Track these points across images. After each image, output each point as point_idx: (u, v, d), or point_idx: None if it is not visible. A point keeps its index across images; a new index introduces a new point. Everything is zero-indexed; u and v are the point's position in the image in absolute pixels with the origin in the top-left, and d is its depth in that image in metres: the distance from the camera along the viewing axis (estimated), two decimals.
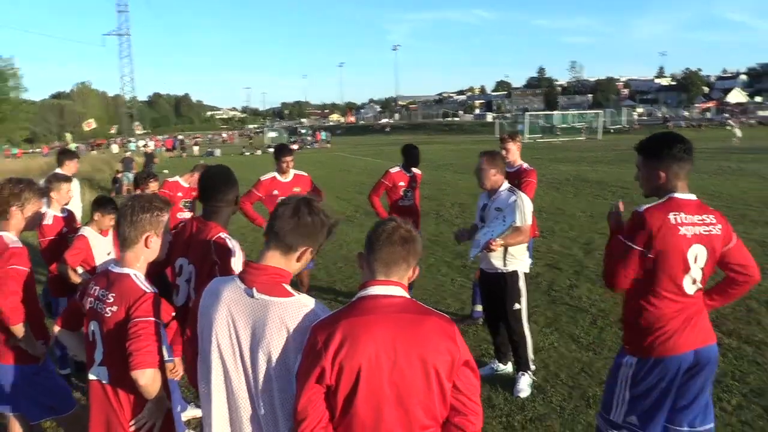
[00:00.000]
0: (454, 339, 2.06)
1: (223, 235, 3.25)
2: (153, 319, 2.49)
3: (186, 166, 8.13)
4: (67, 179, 5.47)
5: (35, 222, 3.58)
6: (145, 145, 48.95)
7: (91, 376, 2.66)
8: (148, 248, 2.65)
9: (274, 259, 2.21)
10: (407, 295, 2.13)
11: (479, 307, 6.46)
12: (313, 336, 2.03)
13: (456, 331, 2.09)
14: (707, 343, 3.05)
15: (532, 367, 5.04)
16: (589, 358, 5.67)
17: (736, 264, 3.03)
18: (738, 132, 38.14)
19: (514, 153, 6.14)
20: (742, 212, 11.87)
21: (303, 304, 2.14)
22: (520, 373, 4.91)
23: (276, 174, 6.33)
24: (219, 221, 3.36)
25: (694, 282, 2.96)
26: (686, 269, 2.91)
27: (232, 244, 3.21)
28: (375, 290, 2.09)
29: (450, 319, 2.14)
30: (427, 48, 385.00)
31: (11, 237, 3.36)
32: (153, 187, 5.46)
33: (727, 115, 68.43)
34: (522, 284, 4.83)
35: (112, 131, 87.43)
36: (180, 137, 65.00)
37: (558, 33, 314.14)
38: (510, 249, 4.67)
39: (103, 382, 2.62)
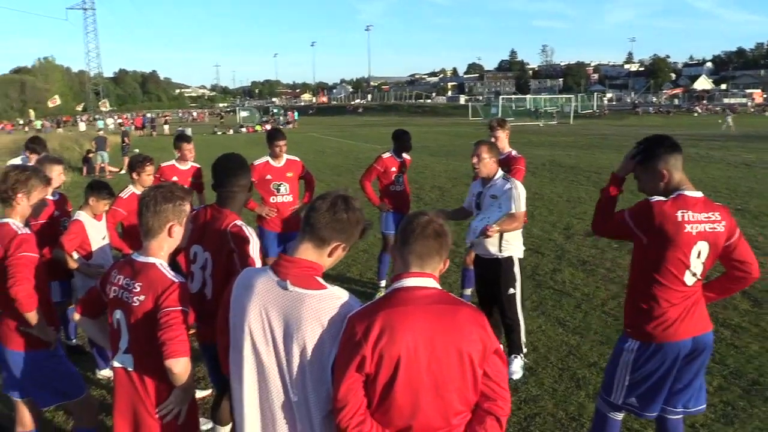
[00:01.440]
0: (485, 328, 2.15)
1: (238, 222, 3.28)
2: (182, 308, 2.53)
3: (157, 145, 8.06)
4: (58, 161, 5.39)
5: (40, 209, 3.55)
6: (120, 124, 47.98)
7: (116, 364, 2.68)
8: (171, 237, 2.68)
9: (307, 252, 2.25)
10: (439, 287, 2.20)
11: (468, 291, 6.59)
12: (352, 326, 2.09)
13: (486, 321, 2.18)
14: (705, 331, 3.20)
15: (524, 350, 5.19)
16: (576, 341, 5.85)
17: (737, 260, 3.16)
18: (730, 120, 38.96)
19: (503, 140, 6.23)
20: (711, 199, 12.18)
21: (337, 296, 2.20)
22: (513, 356, 5.05)
23: (269, 158, 6.33)
24: (234, 208, 3.39)
25: (694, 275, 3.10)
26: (688, 264, 3.04)
27: (248, 231, 3.24)
28: (410, 282, 2.16)
29: (479, 310, 2.23)
30: (399, 29, 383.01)
31: (18, 224, 3.34)
32: (149, 170, 5.40)
33: (695, 103, 69.71)
34: (517, 269, 4.96)
35: (78, 108, 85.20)
36: (149, 115, 63.67)
37: (530, 16, 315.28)
38: (506, 235, 4.78)
39: (129, 369, 2.65)
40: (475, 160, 4.83)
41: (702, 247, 3.04)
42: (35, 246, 3.33)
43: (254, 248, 3.20)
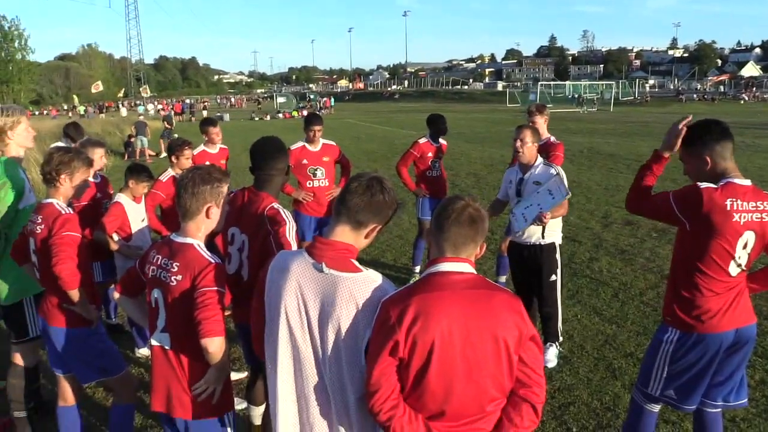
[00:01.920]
0: (521, 314, 2.11)
1: (275, 205, 3.30)
2: (218, 288, 2.56)
3: (195, 130, 8.16)
4: (101, 144, 5.50)
5: (82, 191, 3.64)
6: (161, 110, 48.78)
7: (154, 342, 2.73)
8: (209, 219, 2.71)
9: (343, 234, 2.24)
10: (475, 272, 2.18)
11: (503, 278, 6.54)
12: (385, 311, 2.08)
13: (522, 306, 2.15)
14: (748, 323, 3.11)
15: (560, 338, 5.13)
16: (613, 330, 5.75)
17: None
18: None
19: (541, 126, 6.13)
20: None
21: (372, 279, 2.19)
22: (549, 344, 5.00)
23: (305, 143, 6.35)
24: (271, 191, 3.41)
25: (739, 265, 3.00)
26: (734, 254, 2.95)
27: (285, 214, 3.26)
28: (445, 267, 2.14)
29: (516, 295, 2.20)
30: (437, 14, 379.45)
31: (62, 204, 3.42)
32: (187, 154, 5.47)
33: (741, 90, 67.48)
34: (558, 256, 4.91)
35: (120, 94, 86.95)
36: (188, 101, 64.57)
37: (570, 1, 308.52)
38: (549, 221, 4.71)
39: (166, 347, 2.70)
40: (518, 144, 4.75)
41: (749, 237, 2.94)
42: (78, 226, 3.41)
43: (291, 231, 3.22)
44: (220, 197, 2.73)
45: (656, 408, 3.38)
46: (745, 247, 2.96)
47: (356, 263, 2.23)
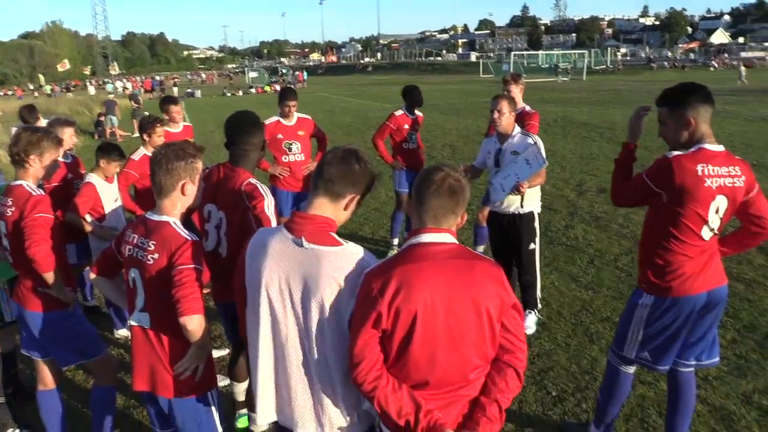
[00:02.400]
0: (503, 283, 2.13)
1: (252, 181, 3.26)
2: (195, 266, 2.53)
3: None
4: (70, 123, 5.38)
5: (53, 171, 3.55)
6: (124, 88, 47.76)
7: (133, 322, 2.71)
8: (185, 195, 2.67)
9: (322, 207, 2.23)
10: (456, 242, 2.19)
11: (480, 248, 6.59)
12: (368, 283, 2.09)
13: (503, 275, 2.17)
14: (720, 284, 3.18)
15: (539, 305, 5.21)
16: (589, 296, 5.85)
17: (754, 215, 3.11)
18: (743, 72, 38.79)
19: (516, 95, 6.13)
20: None
21: (353, 252, 2.18)
22: (528, 311, 5.07)
23: (280, 118, 6.27)
24: (247, 166, 3.37)
25: (712, 230, 3.05)
26: (706, 219, 3.00)
27: (263, 189, 3.23)
28: (426, 238, 2.14)
29: (498, 264, 2.21)
30: None
31: (32, 186, 3.35)
32: (159, 132, 5.37)
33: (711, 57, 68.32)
34: (537, 224, 4.96)
35: (86, 72, 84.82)
36: (158, 78, 63.29)
37: None
38: (527, 190, 4.73)
39: (145, 327, 2.67)
40: (496, 115, 4.75)
41: (721, 202, 2.99)
42: (50, 207, 3.34)
43: (269, 206, 3.20)
44: (195, 173, 2.69)
45: (632, 369, 3.46)
46: (717, 211, 3.01)
47: (336, 237, 2.22)
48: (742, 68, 40.89)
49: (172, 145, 2.70)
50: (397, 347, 2.08)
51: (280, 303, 2.21)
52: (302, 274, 2.16)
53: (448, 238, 2.16)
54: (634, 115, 3.25)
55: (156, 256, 2.56)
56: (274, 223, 3.14)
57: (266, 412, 2.34)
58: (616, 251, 7.09)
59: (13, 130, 6.97)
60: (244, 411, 3.90)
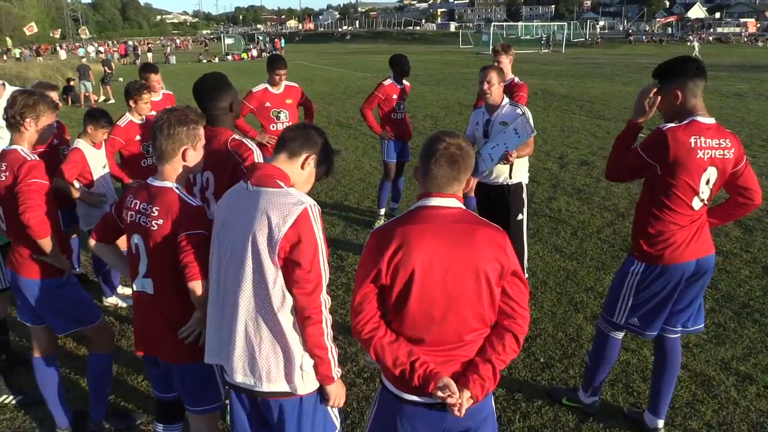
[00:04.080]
0: (504, 248, 2.19)
1: (236, 137, 3.24)
2: (202, 231, 2.54)
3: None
4: (53, 87, 5.26)
5: (47, 135, 3.48)
6: (99, 52, 46.51)
7: (136, 287, 2.72)
8: (186, 161, 2.66)
9: (278, 160, 2.41)
10: (462, 206, 2.23)
11: None
12: (372, 240, 2.22)
13: (507, 241, 2.22)
14: (708, 253, 3.28)
15: (525, 275, 5.30)
16: (573, 266, 5.98)
17: (741, 186, 3.21)
18: (696, 47, 38.89)
19: (506, 66, 6.16)
20: None
21: (289, 193, 2.30)
22: None
23: (267, 85, 6.20)
24: (225, 126, 3.33)
25: (702, 200, 3.15)
26: (697, 189, 3.08)
27: (249, 143, 3.22)
28: (433, 201, 2.20)
29: (501, 230, 2.26)
30: None
31: (27, 151, 3.29)
32: (146, 98, 5.25)
33: (688, 32, 68.84)
34: (525, 195, 5.01)
35: (56, 36, 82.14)
36: (131, 43, 61.65)
37: None
38: (516, 161, 4.77)
39: (148, 292, 2.68)
40: (485, 86, 4.76)
41: (711, 173, 3.07)
42: (45, 173, 3.28)
43: (259, 158, 3.20)
44: (197, 139, 2.67)
45: (620, 335, 3.58)
46: (707, 182, 3.10)
47: (280, 182, 2.32)
48: (696, 43, 41.92)
49: (174, 110, 2.67)
50: (395, 302, 2.18)
51: (223, 241, 2.37)
52: (242, 214, 2.32)
53: (454, 202, 2.22)
54: (640, 92, 3.25)
55: (160, 221, 2.56)
56: None
57: (211, 354, 2.50)
58: (598, 223, 7.22)
59: None
60: None
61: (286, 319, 2.28)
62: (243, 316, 2.31)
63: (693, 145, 3.01)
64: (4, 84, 4.56)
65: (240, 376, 2.36)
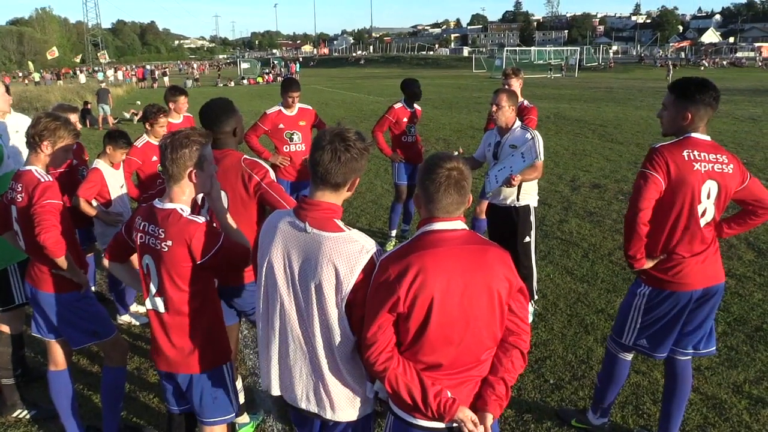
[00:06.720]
0: (510, 266, 2.23)
1: (247, 156, 3.33)
2: (215, 248, 2.60)
3: (158, 98, 7.88)
4: (73, 109, 5.40)
5: (63, 159, 3.56)
6: (115, 77, 47.33)
7: (148, 306, 2.78)
8: (193, 182, 2.72)
9: (325, 195, 2.31)
10: (466, 227, 2.27)
11: None
12: (385, 269, 2.16)
13: (511, 260, 2.26)
14: (717, 282, 3.28)
15: (535, 297, 5.31)
16: (584, 288, 5.97)
17: (753, 200, 3.23)
18: (671, 72, 40.83)
19: (516, 89, 6.23)
20: None
21: (353, 239, 2.26)
22: None
23: (281, 108, 6.32)
24: (232, 147, 3.43)
25: (704, 216, 3.15)
26: (699, 201, 3.09)
27: (261, 162, 3.30)
28: (440, 225, 2.22)
29: (505, 249, 2.31)
30: None
31: (41, 171, 3.38)
32: (162, 122, 5.38)
33: (701, 57, 68.96)
34: (533, 218, 5.04)
35: (76, 60, 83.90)
36: (149, 67, 62.80)
37: None
38: (524, 184, 4.83)
39: (160, 311, 2.74)
40: (494, 108, 4.84)
41: (711, 186, 3.08)
42: (58, 193, 3.36)
43: (272, 175, 3.31)
44: (203, 160, 2.71)
45: (629, 356, 3.57)
46: (708, 196, 3.11)
47: (340, 223, 2.29)
48: (670, 66, 43.63)
49: (177, 134, 2.71)
50: (414, 331, 2.16)
51: (284, 283, 2.32)
52: (304, 258, 2.26)
53: (459, 224, 2.24)
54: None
55: (170, 243, 2.61)
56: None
57: (269, 387, 2.49)
58: (609, 246, 7.22)
59: None
60: (245, 419, 3.91)
61: (350, 358, 2.31)
62: (307, 351, 2.33)
63: (687, 158, 3.04)
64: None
65: (308, 403, 2.41)
